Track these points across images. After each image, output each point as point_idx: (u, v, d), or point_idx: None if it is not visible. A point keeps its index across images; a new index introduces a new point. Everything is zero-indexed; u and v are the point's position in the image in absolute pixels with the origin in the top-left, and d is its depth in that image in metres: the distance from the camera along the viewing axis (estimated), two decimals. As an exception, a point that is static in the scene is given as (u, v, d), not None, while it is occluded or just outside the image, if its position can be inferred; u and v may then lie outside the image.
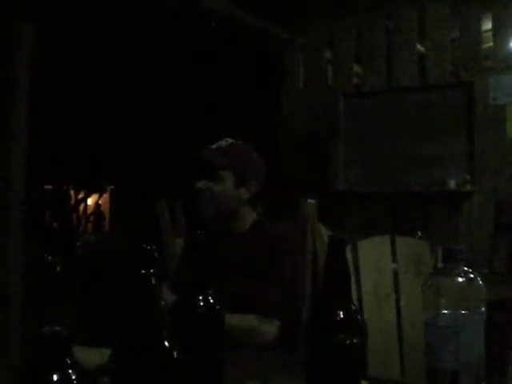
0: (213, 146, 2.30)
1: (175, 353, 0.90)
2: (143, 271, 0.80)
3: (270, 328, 2.04)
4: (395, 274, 2.32)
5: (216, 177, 2.23)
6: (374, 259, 2.31)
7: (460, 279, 1.17)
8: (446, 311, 1.15)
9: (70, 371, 0.78)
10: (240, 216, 2.28)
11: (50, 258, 0.71)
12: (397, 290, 2.30)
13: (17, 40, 3.25)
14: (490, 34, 5.47)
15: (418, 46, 5.82)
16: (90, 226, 8.54)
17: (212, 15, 5.84)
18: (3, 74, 3.26)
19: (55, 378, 0.77)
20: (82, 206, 8.32)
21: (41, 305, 0.74)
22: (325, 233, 2.50)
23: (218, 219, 2.27)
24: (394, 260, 2.32)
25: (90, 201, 8.53)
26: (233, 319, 1.99)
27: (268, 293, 2.08)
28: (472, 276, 1.17)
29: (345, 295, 1.03)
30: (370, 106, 5.90)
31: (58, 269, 0.72)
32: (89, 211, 8.51)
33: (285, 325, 2.06)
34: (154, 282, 0.82)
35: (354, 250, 2.32)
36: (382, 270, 2.30)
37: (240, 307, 1.97)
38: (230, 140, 2.32)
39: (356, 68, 6.19)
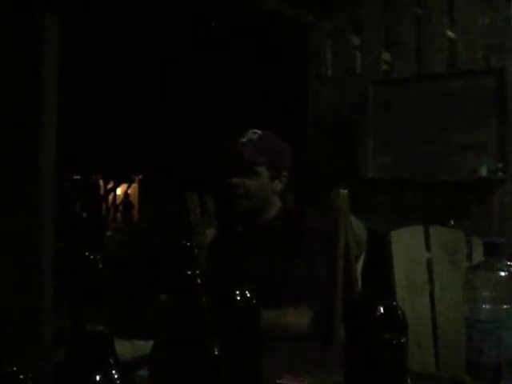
0: (243, 140, 2.28)
1: (215, 349, 0.89)
2: (189, 272, 0.80)
3: (303, 319, 2.03)
4: (429, 264, 2.29)
5: (252, 172, 2.22)
6: (408, 249, 2.29)
7: (502, 273, 1.15)
8: (487, 306, 1.13)
9: (113, 371, 0.78)
10: (269, 206, 2.29)
11: (91, 256, 0.70)
12: (431, 281, 2.28)
13: (42, 30, 3.24)
14: (521, 18, 5.38)
15: (448, 32, 5.74)
16: (119, 215, 8.58)
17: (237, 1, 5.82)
18: (31, 65, 3.26)
19: (98, 378, 0.76)
20: (111, 196, 8.36)
21: (81, 302, 0.74)
22: (355, 222, 2.48)
23: (250, 211, 2.27)
24: (428, 250, 2.30)
25: (119, 191, 8.57)
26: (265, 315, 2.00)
27: (295, 282, 2.07)
28: (515, 270, 1.15)
29: (387, 292, 1.02)
30: (399, 92, 5.83)
31: (100, 266, 0.71)
32: (118, 201, 8.54)
33: (315, 317, 2.05)
34: (198, 282, 0.81)
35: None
36: (416, 260, 2.28)
37: (265, 293, 1.97)
38: (258, 132, 2.30)
39: (385, 55, 6.13)
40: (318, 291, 2.09)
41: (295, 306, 2.04)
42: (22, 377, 0.81)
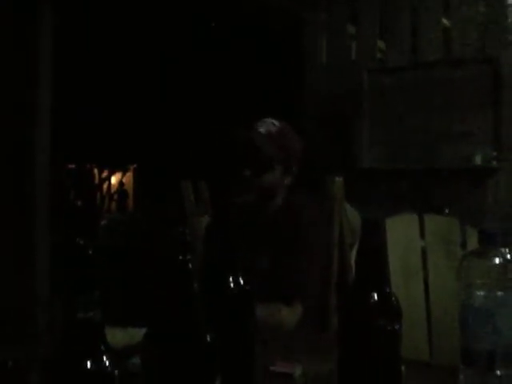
0: (261, 130, 2.21)
1: (208, 336, 0.89)
2: (181, 257, 0.79)
3: (291, 314, 2.01)
4: (423, 252, 2.29)
5: (267, 167, 2.18)
6: (403, 237, 2.28)
7: (497, 260, 1.14)
8: (482, 292, 1.13)
9: (104, 357, 0.77)
10: (276, 197, 2.25)
11: (81, 241, 0.69)
12: (425, 268, 2.27)
13: (37, 18, 3.23)
14: (517, 7, 5.37)
15: (443, 21, 5.72)
16: (113, 204, 8.58)
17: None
18: (26, 50, 3.25)
19: (89, 364, 0.76)
20: (105, 185, 8.35)
21: (72, 289, 0.73)
22: (350, 210, 2.47)
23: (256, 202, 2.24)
24: (423, 238, 2.29)
25: (113, 179, 8.56)
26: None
27: (294, 274, 2.05)
28: (509, 257, 1.15)
29: (381, 279, 1.01)
30: (394, 81, 5.82)
31: (90, 252, 0.70)
32: (112, 190, 8.54)
33: (310, 307, 2.03)
34: (190, 268, 0.81)
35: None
36: (410, 248, 2.28)
37: (265, 284, 1.95)
38: (276, 123, 2.23)
39: (380, 44, 6.11)
40: (315, 286, 2.08)
41: (288, 303, 2.02)
42: (10, 364, 0.80)
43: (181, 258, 0.80)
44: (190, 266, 0.81)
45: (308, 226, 2.16)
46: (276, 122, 2.24)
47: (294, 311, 2.01)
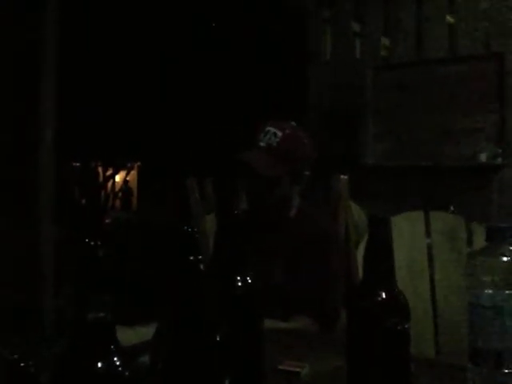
0: (262, 145, 2.10)
1: (217, 335, 0.89)
2: (191, 258, 0.79)
3: (313, 326, 2.00)
4: (429, 250, 2.29)
5: (273, 184, 2.12)
6: (408, 234, 2.28)
7: (505, 258, 1.14)
8: (490, 291, 1.13)
9: (115, 358, 0.77)
10: (289, 204, 2.22)
11: (92, 243, 0.70)
12: (431, 266, 2.27)
13: (42, 12, 3.22)
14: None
15: (448, 17, 5.72)
16: (118, 202, 8.57)
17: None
18: (30, 48, 3.24)
19: (99, 365, 0.76)
20: (110, 183, 8.34)
21: (82, 290, 0.74)
22: (354, 208, 2.47)
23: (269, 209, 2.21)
24: (429, 235, 2.29)
25: (118, 178, 8.55)
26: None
27: (307, 286, 2.04)
28: (517, 254, 1.15)
29: (389, 276, 1.01)
30: (398, 78, 5.81)
31: (101, 253, 0.70)
32: (117, 188, 8.52)
33: (319, 317, 2.03)
34: (200, 267, 0.81)
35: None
36: (416, 246, 2.28)
37: (277, 294, 1.93)
38: (278, 133, 2.11)
39: (384, 41, 6.11)
40: (326, 297, 2.07)
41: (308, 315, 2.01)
42: (22, 364, 0.80)
43: (192, 258, 0.80)
44: (201, 266, 0.81)
45: (323, 237, 2.14)
46: (279, 132, 2.12)
47: (314, 323, 2.00)
